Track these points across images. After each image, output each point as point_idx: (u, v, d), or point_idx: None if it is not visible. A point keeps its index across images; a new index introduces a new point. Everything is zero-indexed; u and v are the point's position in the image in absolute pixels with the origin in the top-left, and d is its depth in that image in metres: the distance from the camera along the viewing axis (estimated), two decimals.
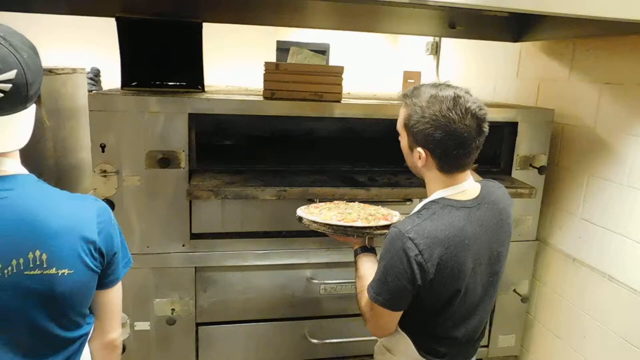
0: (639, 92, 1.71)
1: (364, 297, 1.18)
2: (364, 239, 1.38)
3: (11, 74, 0.83)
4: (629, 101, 1.75)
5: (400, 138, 1.21)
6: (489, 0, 1.29)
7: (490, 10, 1.40)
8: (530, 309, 2.22)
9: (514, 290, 2.10)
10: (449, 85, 1.13)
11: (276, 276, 1.89)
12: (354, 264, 1.35)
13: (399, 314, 1.16)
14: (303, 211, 1.46)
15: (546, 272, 2.14)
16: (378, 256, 1.22)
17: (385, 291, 1.11)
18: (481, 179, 1.32)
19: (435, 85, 1.13)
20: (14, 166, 0.91)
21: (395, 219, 1.42)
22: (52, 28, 3.35)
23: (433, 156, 1.12)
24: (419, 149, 1.12)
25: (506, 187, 1.78)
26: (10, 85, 0.83)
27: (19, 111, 0.87)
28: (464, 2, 1.28)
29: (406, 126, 1.14)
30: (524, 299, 2.11)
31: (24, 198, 0.88)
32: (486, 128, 1.11)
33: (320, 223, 1.37)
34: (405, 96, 1.16)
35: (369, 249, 1.36)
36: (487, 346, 2.14)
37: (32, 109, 0.91)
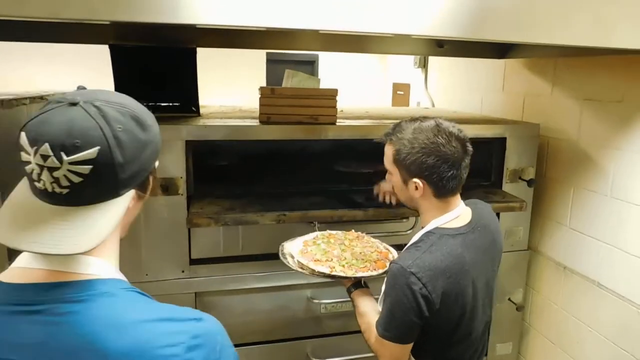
0: (616, 109, 1.79)
1: (373, 335, 1.20)
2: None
3: (91, 153, 0.64)
4: (608, 117, 1.83)
5: (389, 177, 1.27)
6: (463, 32, 1.33)
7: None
8: (525, 316, 2.28)
9: (509, 299, 2.16)
10: (426, 117, 1.22)
11: (276, 297, 1.90)
12: (351, 301, 1.37)
13: (410, 345, 1.18)
14: (297, 255, 1.46)
15: (539, 280, 2.21)
16: (381, 291, 1.23)
17: (394, 327, 1.14)
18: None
19: (414, 120, 1.21)
20: (98, 267, 0.70)
21: (390, 257, 1.45)
22: (35, 53, 3.32)
23: (429, 183, 1.17)
24: (415, 180, 1.17)
25: (498, 201, 1.86)
26: (90, 167, 0.64)
27: (108, 200, 0.69)
28: (444, 34, 1.32)
29: (397, 161, 1.20)
30: (519, 308, 2.16)
31: (93, 316, 0.65)
32: (470, 147, 1.19)
33: (312, 270, 1.38)
34: (388, 134, 1.23)
35: (362, 284, 1.38)
36: (485, 355, 2.18)
37: (127, 196, 0.72)
